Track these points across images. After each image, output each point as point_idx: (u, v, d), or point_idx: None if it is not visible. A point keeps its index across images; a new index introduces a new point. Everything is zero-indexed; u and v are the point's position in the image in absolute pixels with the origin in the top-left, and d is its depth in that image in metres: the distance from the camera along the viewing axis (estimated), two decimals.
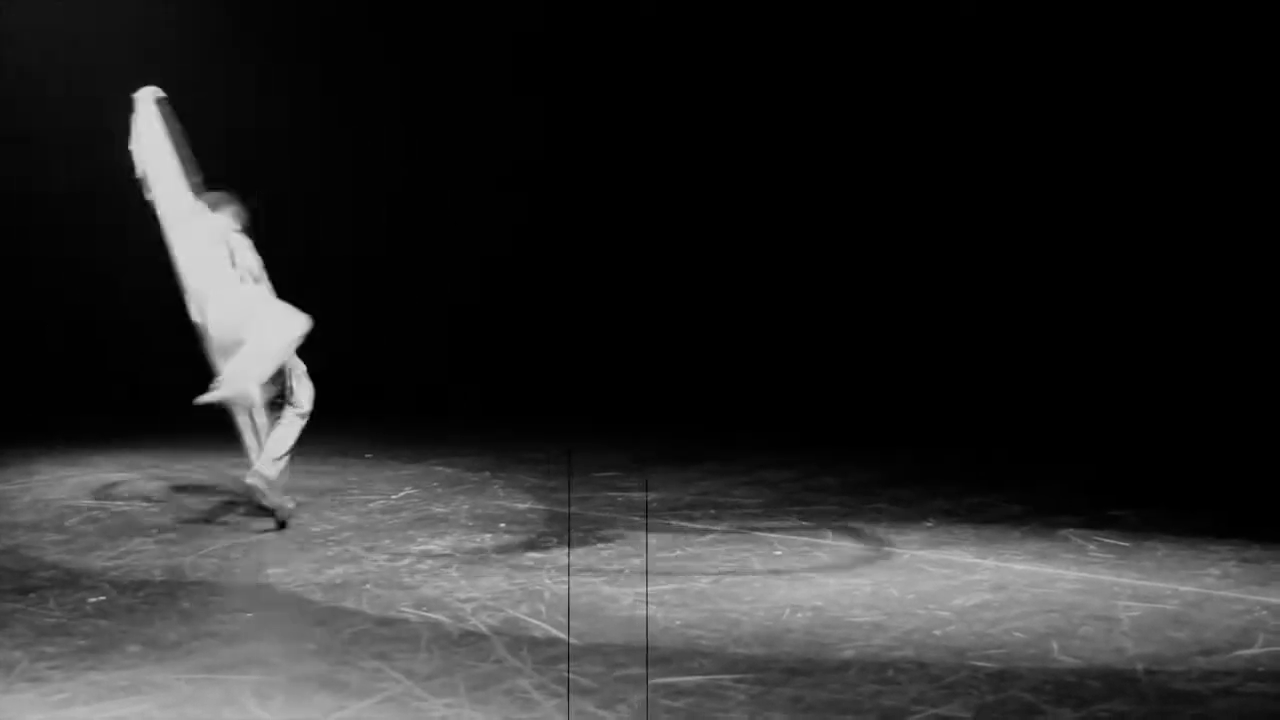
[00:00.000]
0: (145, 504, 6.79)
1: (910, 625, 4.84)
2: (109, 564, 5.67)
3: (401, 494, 7.00)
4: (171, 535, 6.16)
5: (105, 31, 9.70)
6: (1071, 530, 6.12)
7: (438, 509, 6.66)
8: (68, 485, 7.22)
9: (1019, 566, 5.59)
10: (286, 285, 6.44)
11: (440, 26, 10.54)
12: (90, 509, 6.67)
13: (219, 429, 8.84)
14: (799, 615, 4.96)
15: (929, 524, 6.31)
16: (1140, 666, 4.40)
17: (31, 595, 5.22)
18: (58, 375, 9.54)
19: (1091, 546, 5.88)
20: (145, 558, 5.77)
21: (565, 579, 5.41)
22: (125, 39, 9.62)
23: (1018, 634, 4.74)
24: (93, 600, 5.16)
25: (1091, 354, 9.25)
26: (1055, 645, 4.61)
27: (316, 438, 7.08)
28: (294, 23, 10.26)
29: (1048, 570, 5.53)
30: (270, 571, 5.58)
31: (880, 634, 4.75)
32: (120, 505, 6.76)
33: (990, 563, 5.65)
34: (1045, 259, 9.53)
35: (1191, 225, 9.11)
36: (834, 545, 5.97)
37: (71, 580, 5.43)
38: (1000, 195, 9.64)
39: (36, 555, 5.83)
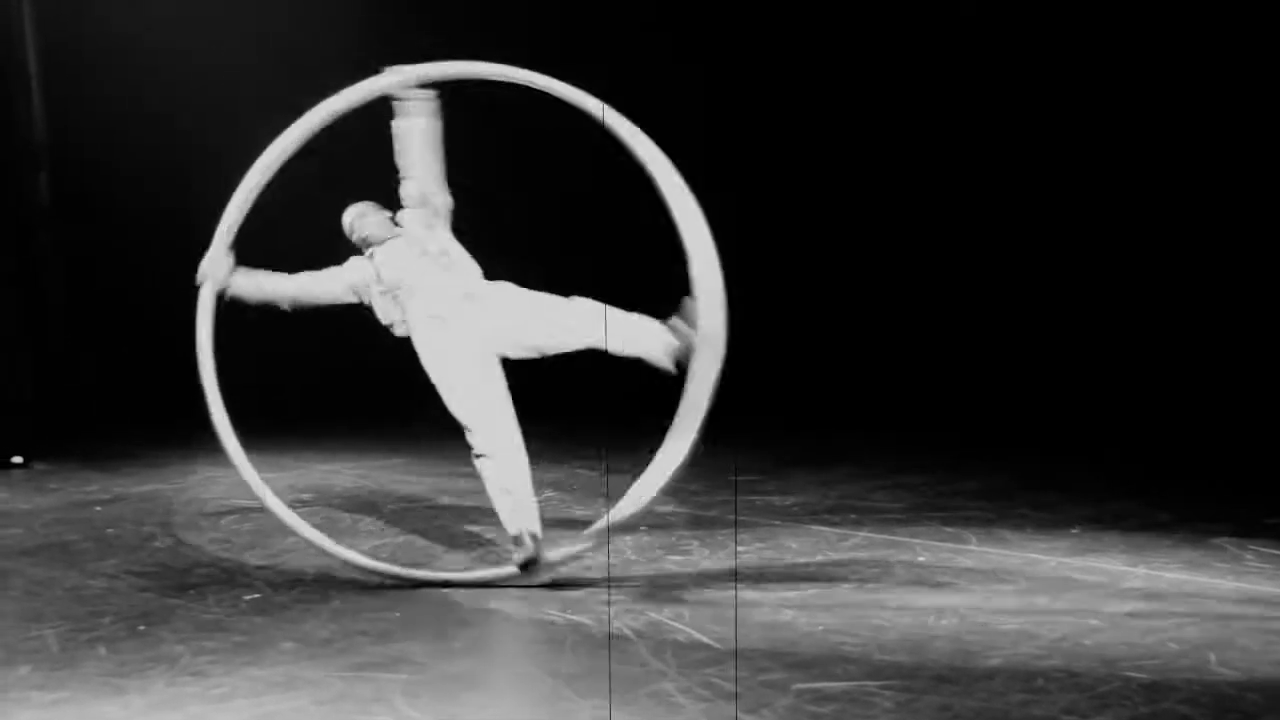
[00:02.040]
0: (296, 504, 6.97)
1: (1059, 633, 4.76)
2: (263, 563, 5.84)
3: (542, 496, 7.05)
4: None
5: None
6: (1226, 539, 5.95)
7: (578, 511, 6.72)
8: (223, 485, 7.44)
9: (1171, 575, 5.46)
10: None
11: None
12: (245, 509, 6.87)
13: (364, 430, 9.07)
14: (944, 622, 4.90)
15: (1075, 531, 6.19)
16: None
17: (191, 592, 5.40)
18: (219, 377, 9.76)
19: (1248, 556, 5.71)
20: (297, 557, 5.92)
21: (708, 583, 5.42)
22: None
23: (1172, 644, 4.63)
24: (248, 598, 5.32)
25: (1232, 360, 8.99)
26: (1212, 657, 4.49)
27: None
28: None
29: (1201, 579, 5.39)
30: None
31: (1028, 642, 4.67)
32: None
33: (1140, 571, 5.52)
34: (1177, 257, 9.30)
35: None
36: (978, 551, 5.89)
37: (228, 578, 5.61)
38: (1127, 194, 9.44)
39: (195, 554, 6.03)
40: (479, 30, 10.11)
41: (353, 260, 5.74)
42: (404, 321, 5.59)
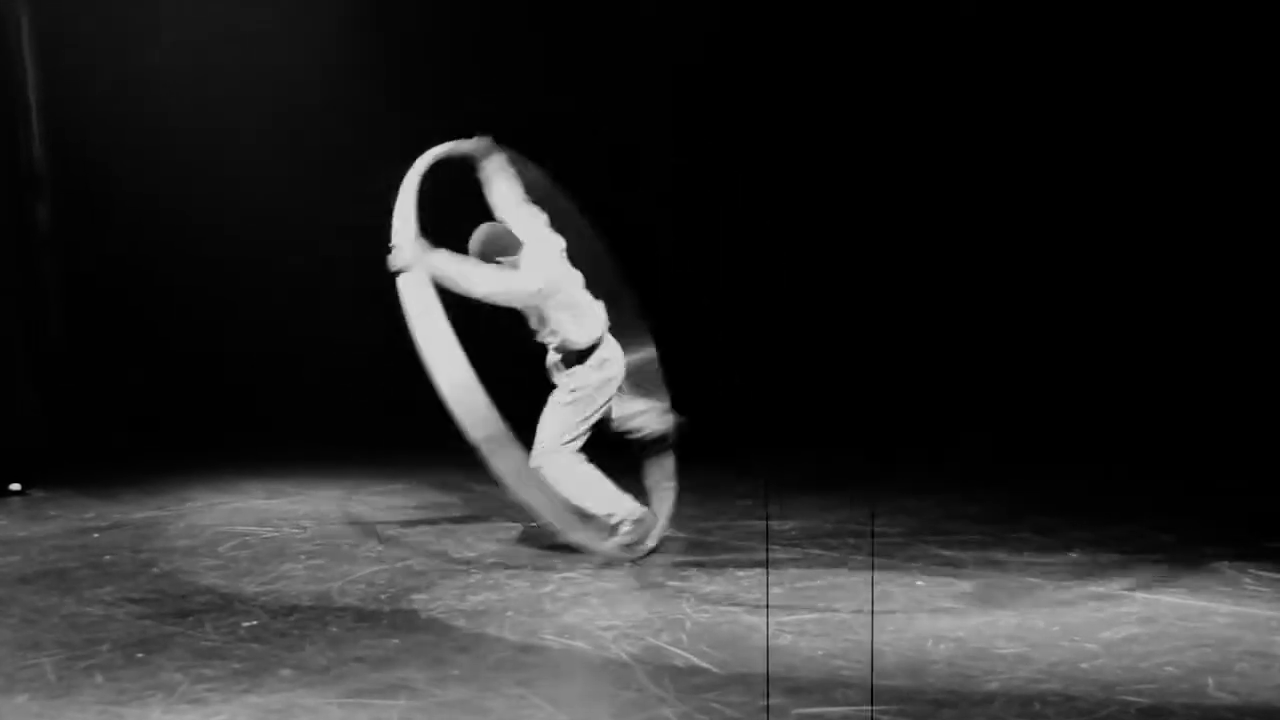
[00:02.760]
0: (293, 530, 6.97)
1: (1056, 658, 4.76)
2: (260, 589, 5.84)
3: (540, 521, 7.06)
4: (319, 561, 6.31)
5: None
6: (1225, 562, 5.95)
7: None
8: (220, 511, 7.45)
9: (1169, 599, 5.46)
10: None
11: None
12: (242, 535, 6.86)
13: (359, 457, 9.06)
14: (942, 646, 4.90)
15: (1074, 554, 6.19)
16: None
17: (189, 619, 5.40)
18: (213, 403, 9.76)
19: (1247, 580, 5.71)
20: (295, 583, 5.92)
21: (706, 607, 5.42)
22: None
23: (1169, 669, 4.62)
24: (246, 625, 5.32)
25: (1240, 380, 8.98)
26: (1210, 681, 4.49)
27: (459, 464, 7.20)
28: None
29: (1200, 603, 5.39)
30: (415, 597, 5.69)
31: (1025, 666, 4.67)
32: (269, 531, 6.95)
33: (1139, 595, 5.52)
34: (1182, 277, 9.27)
35: None
36: (976, 575, 5.88)
37: (226, 605, 5.60)
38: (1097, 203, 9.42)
39: (192, 580, 6.03)
40: (473, 36, 10.18)
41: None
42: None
